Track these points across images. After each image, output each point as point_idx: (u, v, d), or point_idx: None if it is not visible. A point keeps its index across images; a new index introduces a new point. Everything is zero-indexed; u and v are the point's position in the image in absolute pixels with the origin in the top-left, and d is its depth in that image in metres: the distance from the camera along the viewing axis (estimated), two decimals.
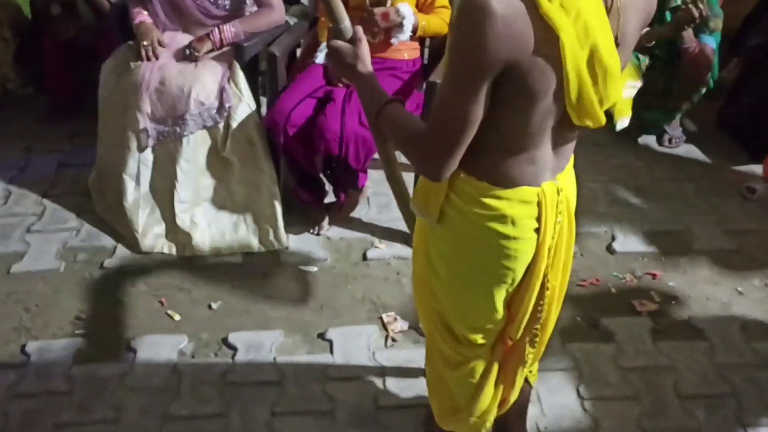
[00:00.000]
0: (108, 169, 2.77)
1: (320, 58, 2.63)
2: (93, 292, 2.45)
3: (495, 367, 1.57)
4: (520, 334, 1.50)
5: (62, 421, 1.99)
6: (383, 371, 2.18)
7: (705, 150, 3.39)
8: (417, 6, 2.59)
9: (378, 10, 2.46)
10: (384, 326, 2.34)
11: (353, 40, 1.38)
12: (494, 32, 1.07)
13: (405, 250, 2.66)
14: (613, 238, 2.79)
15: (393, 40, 2.55)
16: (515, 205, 1.31)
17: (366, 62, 1.37)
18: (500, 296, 1.43)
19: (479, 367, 1.57)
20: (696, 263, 2.70)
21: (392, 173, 1.86)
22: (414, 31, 2.54)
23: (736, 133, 3.38)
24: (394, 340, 2.30)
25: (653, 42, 2.99)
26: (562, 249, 1.42)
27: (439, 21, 2.60)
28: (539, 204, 1.32)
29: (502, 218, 1.31)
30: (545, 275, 1.40)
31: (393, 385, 2.13)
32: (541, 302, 1.44)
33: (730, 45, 3.47)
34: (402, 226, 2.62)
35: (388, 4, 2.50)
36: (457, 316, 1.51)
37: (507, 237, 1.33)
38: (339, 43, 1.38)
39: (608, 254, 2.73)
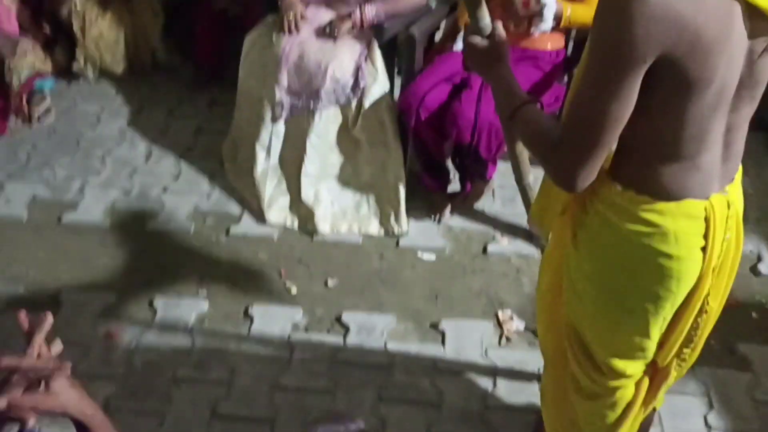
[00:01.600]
0: (242, 137, 2.85)
1: (459, 44, 2.56)
2: (218, 256, 2.53)
3: (640, 400, 1.43)
4: (669, 359, 1.37)
5: (180, 376, 2.08)
6: (495, 371, 2.11)
7: None
8: None
9: None
10: (499, 324, 2.27)
11: (492, 38, 1.29)
12: (646, 13, 0.95)
13: (527, 248, 2.57)
14: (759, 259, 2.56)
15: (533, 30, 2.42)
16: (679, 220, 1.18)
17: (505, 62, 1.28)
18: (657, 323, 1.29)
19: (623, 400, 1.42)
20: None
21: (520, 177, 1.78)
22: (558, 20, 2.41)
23: None
24: (508, 339, 2.22)
25: None
26: (726, 269, 1.28)
27: (587, 10, 2.43)
28: (707, 219, 1.18)
29: (664, 235, 1.18)
30: (706, 297, 1.27)
31: (504, 386, 2.06)
32: (697, 326, 1.31)
33: None
34: (526, 222, 2.53)
35: None
36: (604, 344, 1.37)
37: (669, 256, 1.19)
38: (477, 39, 1.29)
39: (752, 275, 2.50)
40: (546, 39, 2.52)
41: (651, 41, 0.96)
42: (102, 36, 3.37)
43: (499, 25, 1.29)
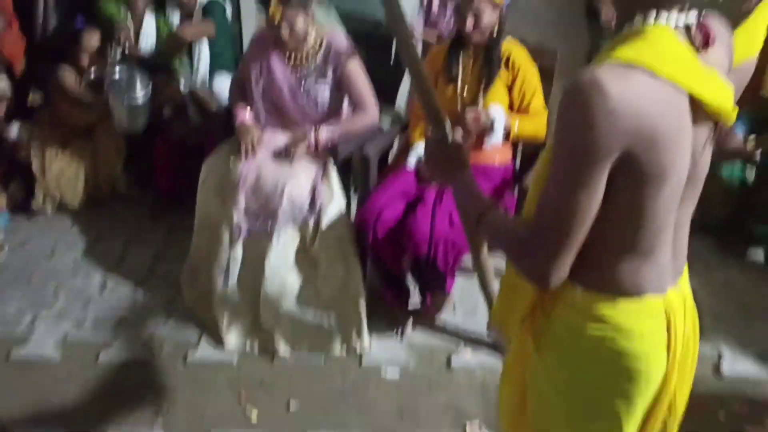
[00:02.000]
0: (200, 262, 2.83)
1: (412, 163, 2.65)
2: (175, 384, 2.44)
3: None
4: None
5: None
6: None
7: None
8: (512, 108, 2.60)
9: (470, 113, 2.48)
10: None
11: (453, 144, 1.34)
12: (607, 109, 0.98)
13: (491, 359, 2.54)
14: (721, 360, 2.58)
15: (484, 143, 2.54)
16: (642, 317, 1.17)
17: (467, 167, 1.32)
18: (630, 427, 1.25)
19: None
20: None
21: (485, 285, 1.80)
22: (507, 133, 2.53)
23: None
24: None
25: (760, 149, 2.87)
26: (687, 363, 1.26)
27: (534, 124, 2.59)
28: (667, 313, 1.18)
29: (629, 333, 1.16)
30: (673, 394, 1.24)
31: None
32: (665, 427, 1.28)
33: None
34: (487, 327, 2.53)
35: (480, 107, 2.52)
36: None
37: (635, 356, 1.17)
38: (438, 146, 1.34)
39: (716, 377, 2.51)
40: (494, 153, 2.64)
41: (614, 136, 0.99)
42: (63, 173, 3.41)
43: (459, 131, 1.35)
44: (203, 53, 3.60)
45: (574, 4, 3.54)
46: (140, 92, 3.25)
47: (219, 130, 2.98)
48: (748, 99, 3.29)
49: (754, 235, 3.12)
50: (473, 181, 1.31)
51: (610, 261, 1.15)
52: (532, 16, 3.70)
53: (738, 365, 2.56)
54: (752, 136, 2.90)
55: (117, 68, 3.29)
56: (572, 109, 1.02)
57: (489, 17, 2.49)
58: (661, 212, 1.11)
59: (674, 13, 1.08)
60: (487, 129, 2.50)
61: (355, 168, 2.76)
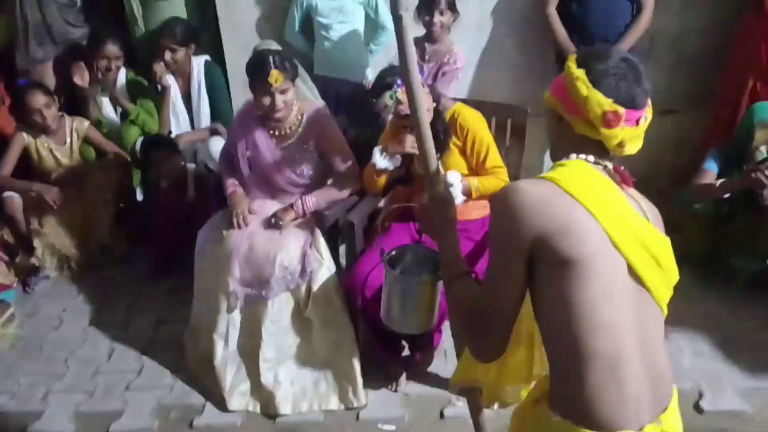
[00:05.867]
0: (201, 327, 2.96)
1: (378, 159, 2.74)
2: None
3: None
4: None
5: None
6: None
7: None
8: (470, 169, 2.72)
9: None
10: None
11: (447, 202, 1.52)
12: (525, 204, 1.24)
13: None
14: (701, 396, 2.69)
15: None
16: None
17: (454, 228, 1.51)
18: None
19: None
20: None
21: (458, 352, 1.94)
22: (468, 194, 2.66)
23: None
24: None
25: (728, 195, 3.00)
26: None
27: (494, 181, 2.71)
28: None
29: None
30: None
31: None
32: None
33: None
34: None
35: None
36: None
37: None
38: (434, 203, 1.52)
39: (696, 413, 2.62)
40: (470, 209, 2.76)
41: (529, 223, 1.24)
42: (56, 227, 3.55)
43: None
44: (203, 111, 3.77)
45: (546, 50, 3.67)
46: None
47: (212, 200, 3.12)
48: (720, 137, 3.43)
49: (731, 266, 3.23)
50: (456, 242, 1.51)
51: (580, 388, 1.25)
52: (505, 61, 3.84)
53: (719, 401, 2.66)
54: (721, 180, 3.03)
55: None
56: (497, 206, 1.31)
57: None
58: (611, 323, 1.24)
59: (591, 157, 1.35)
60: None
61: (342, 233, 2.88)
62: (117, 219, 3.77)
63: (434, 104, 2.65)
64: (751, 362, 2.85)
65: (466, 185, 2.64)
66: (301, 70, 2.89)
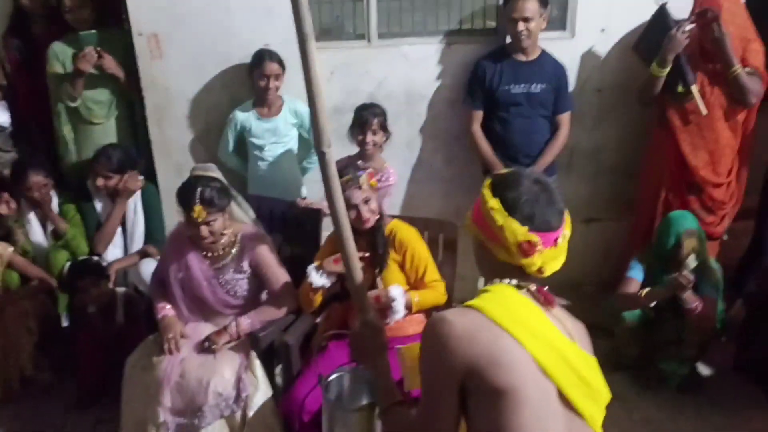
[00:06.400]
0: None
1: (313, 277, 2.73)
2: None
3: None
4: None
5: None
6: None
7: (725, 395, 3.34)
8: (409, 283, 2.77)
9: (371, 294, 2.60)
10: None
11: (377, 329, 1.54)
12: (452, 336, 1.26)
13: None
14: None
15: (388, 320, 2.67)
16: None
17: (385, 354, 1.52)
18: None
19: None
20: None
21: None
22: (409, 308, 2.69)
23: (754, 378, 3.35)
24: None
25: (654, 303, 3.12)
26: None
27: (433, 294, 2.77)
28: None
29: None
30: None
31: None
32: None
33: (731, 284, 3.58)
34: None
35: (380, 287, 2.69)
36: None
37: None
38: (364, 330, 1.54)
39: None
40: (407, 325, 2.78)
41: (457, 354, 1.26)
42: None
43: (380, 318, 1.54)
44: (138, 233, 3.71)
45: (472, 163, 3.83)
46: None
47: (142, 325, 3.03)
48: (639, 244, 3.60)
49: (662, 371, 3.30)
50: (389, 369, 1.52)
51: None
52: (435, 175, 3.99)
53: None
54: (646, 290, 3.16)
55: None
56: (426, 338, 1.33)
57: (375, 204, 2.72)
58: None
59: (514, 280, 1.42)
60: (388, 308, 2.64)
61: (277, 354, 2.83)
62: (40, 347, 3.59)
63: (378, 216, 2.71)
64: None
65: (408, 299, 2.67)
66: (234, 192, 2.92)
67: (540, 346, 1.30)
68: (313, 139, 3.62)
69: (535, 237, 1.37)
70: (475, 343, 1.26)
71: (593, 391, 1.35)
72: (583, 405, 1.32)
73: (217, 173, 2.88)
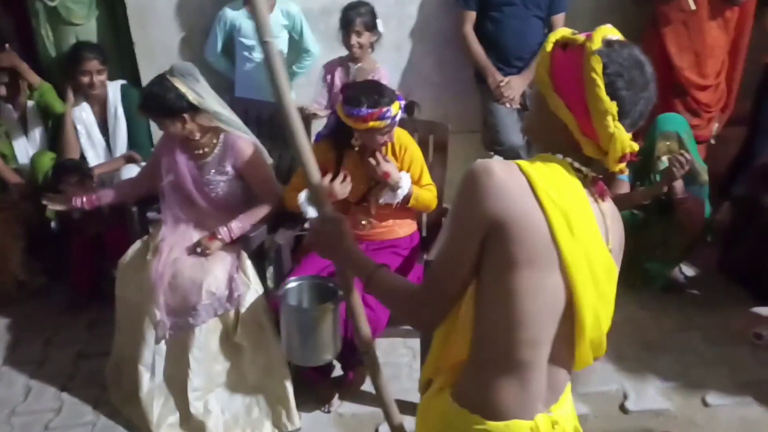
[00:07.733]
0: (124, 360, 2.85)
1: (306, 208, 2.65)
2: None
3: None
4: None
5: None
6: None
7: (708, 295, 3.43)
8: None
9: (383, 167, 2.59)
10: None
11: (333, 219, 1.47)
12: (492, 188, 1.18)
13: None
14: (625, 397, 2.78)
15: (381, 200, 2.68)
16: None
17: (346, 237, 1.44)
18: None
19: None
20: (712, 419, 2.66)
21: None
22: (406, 200, 2.69)
23: (737, 278, 3.43)
24: None
25: (649, 200, 3.14)
26: None
27: (429, 196, 2.77)
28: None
29: None
30: None
31: None
32: None
33: (719, 189, 3.61)
34: (414, 397, 2.63)
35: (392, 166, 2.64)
36: None
37: None
38: (322, 223, 1.48)
39: (622, 414, 2.71)
40: (398, 228, 2.80)
41: (492, 209, 1.18)
42: None
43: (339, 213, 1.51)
44: (120, 138, 3.65)
45: (464, 68, 3.76)
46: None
47: (133, 225, 3.02)
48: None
49: (648, 272, 3.37)
50: (355, 247, 1.45)
51: (486, 382, 1.29)
52: (424, 80, 3.91)
53: (642, 401, 2.76)
54: (641, 189, 3.18)
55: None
56: (465, 183, 1.23)
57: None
58: (535, 323, 1.23)
59: (576, 163, 1.28)
60: (387, 188, 2.64)
61: (268, 254, 2.84)
62: (31, 252, 3.59)
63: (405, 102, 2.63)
64: (671, 362, 2.97)
65: (409, 192, 2.66)
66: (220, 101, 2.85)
67: (571, 243, 1.21)
68: (304, 43, 3.64)
69: (636, 145, 1.23)
70: (508, 203, 1.18)
71: (602, 302, 1.28)
72: (588, 311, 1.26)
73: (196, 75, 2.77)
